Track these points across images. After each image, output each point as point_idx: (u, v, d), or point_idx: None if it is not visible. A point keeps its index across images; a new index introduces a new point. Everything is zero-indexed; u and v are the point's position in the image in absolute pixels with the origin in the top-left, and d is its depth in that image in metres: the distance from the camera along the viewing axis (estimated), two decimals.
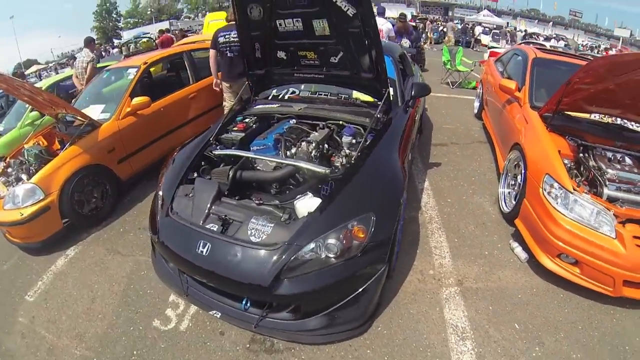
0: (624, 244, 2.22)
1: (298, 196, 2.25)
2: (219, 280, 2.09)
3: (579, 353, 2.16)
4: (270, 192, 2.46)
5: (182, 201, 2.37)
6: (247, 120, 3.13)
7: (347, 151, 2.65)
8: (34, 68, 28.30)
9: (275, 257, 1.91)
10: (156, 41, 10.48)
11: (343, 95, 3.35)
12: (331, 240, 1.91)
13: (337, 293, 2.02)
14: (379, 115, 2.82)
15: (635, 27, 43.94)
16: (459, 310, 2.42)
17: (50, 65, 30.60)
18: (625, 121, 3.05)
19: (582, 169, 2.70)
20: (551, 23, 43.41)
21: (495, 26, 26.31)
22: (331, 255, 1.91)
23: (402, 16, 8.50)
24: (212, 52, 4.39)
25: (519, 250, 2.89)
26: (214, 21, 9.33)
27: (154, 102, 4.04)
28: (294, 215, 2.18)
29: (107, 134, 3.65)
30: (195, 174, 2.59)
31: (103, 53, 19.20)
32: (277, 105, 3.28)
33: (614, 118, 3.05)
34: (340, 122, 2.91)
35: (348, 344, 2.17)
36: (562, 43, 21.40)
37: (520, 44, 13.72)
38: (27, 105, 4.94)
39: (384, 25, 6.37)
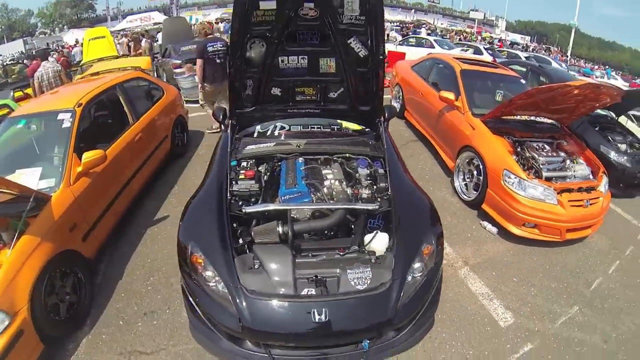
0: (564, 207, 3.81)
1: (368, 237, 2.69)
2: (343, 337, 2.39)
3: (554, 282, 3.65)
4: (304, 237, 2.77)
5: (251, 277, 2.39)
6: (244, 164, 3.17)
7: (366, 182, 3.09)
8: None
9: (392, 295, 2.37)
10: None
11: (335, 127, 3.77)
12: (416, 265, 2.55)
13: (426, 300, 2.63)
14: (376, 143, 3.42)
15: (486, 8, 56.78)
16: (477, 282, 3.58)
17: None
18: (533, 117, 4.79)
19: (521, 158, 4.20)
20: (413, 10, 51.80)
21: None
22: (417, 275, 2.54)
23: None
24: (199, 62, 5.88)
25: (489, 227, 4.29)
26: (95, 39, 8.60)
27: None
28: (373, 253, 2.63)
29: (62, 208, 3.13)
30: (241, 240, 2.63)
31: None
32: (272, 143, 3.38)
33: (527, 116, 4.76)
34: (347, 155, 3.30)
35: (427, 337, 2.91)
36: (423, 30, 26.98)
37: (403, 41, 16.45)
38: None
39: None
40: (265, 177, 3.15)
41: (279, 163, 3.26)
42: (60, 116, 3.67)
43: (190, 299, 2.58)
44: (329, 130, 3.75)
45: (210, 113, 6.37)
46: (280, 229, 2.60)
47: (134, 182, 4.25)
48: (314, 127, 3.76)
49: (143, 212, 4.53)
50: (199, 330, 2.58)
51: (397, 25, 33.14)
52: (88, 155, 3.39)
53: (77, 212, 3.29)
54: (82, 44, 19.76)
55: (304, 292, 2.38)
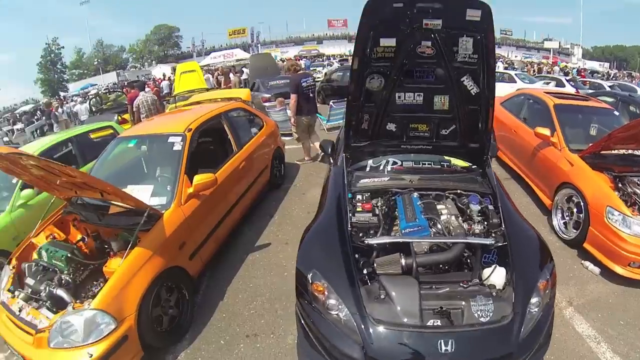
0: None
1: (486, 270, 2.73)
2: None
3: None
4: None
5: (377, 307, 2.45)
6: (359, 196, 3.30)
7: (478, 218, 3.14)
8: None
9: (514, 328, 2.40)
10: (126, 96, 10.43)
11: (445, 164, 3.85)
12: (534, 299, 2.56)
13: (542, 336, 2.61)
14: (483, 180, 3.51)
15: (560, 36, 54.69)
16: (583, 323, 3.45)
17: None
18: (630, 150, 4.68)
19: (623, 194, 4.10)
20: None
21: None
22: (534, 310, 2.55)
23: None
24: (293, 97, 6.59)
25: (591, 266, 4.13)
26: (186, 72, 9.51)
27: None
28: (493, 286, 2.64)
29: (174, 226, 3.33)
30: (365, 271, 2.69)
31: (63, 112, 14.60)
32: (387, 178, 3.55)
33: (625, 150, 4.64)
34: (458, 191, 3.39)
35: None
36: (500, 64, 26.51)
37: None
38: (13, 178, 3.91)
39: None
40: (383, 210, 3.26)
41: (393, 197, 3.37)
42: (171, 139, 3.92)
43: (303, 323, 2.66)
44: (439, 166, 3.88)
45: (302, 145, 7.03)
46: (403, 261, 2.68)
47: (236, 208, 4.45)
48: (424, 163, 3.89)
49: (242, 239, 4.75)
50: (311, 358, 2.65)
51: None
52: (199, 178, 3.60)
53: (186, 231, 3.48)
54: (169, 77, 21.76)
55: (431, 323, 2.43)
